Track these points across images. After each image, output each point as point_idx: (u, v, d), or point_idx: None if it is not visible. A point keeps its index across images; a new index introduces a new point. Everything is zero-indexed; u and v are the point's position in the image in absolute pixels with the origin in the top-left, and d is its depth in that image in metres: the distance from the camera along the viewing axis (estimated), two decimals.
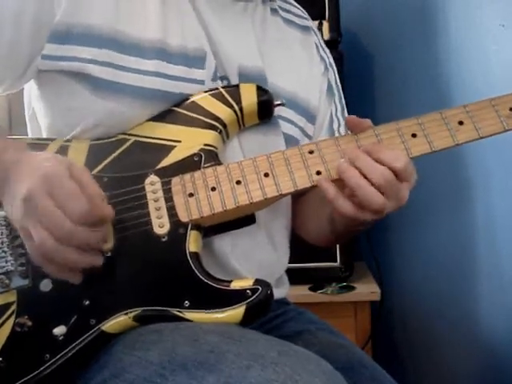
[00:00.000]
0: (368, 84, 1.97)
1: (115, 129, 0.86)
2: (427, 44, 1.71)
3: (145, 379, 0.69)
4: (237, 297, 0.77)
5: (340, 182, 0.80)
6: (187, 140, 0.85)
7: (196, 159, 0.84)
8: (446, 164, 1.59)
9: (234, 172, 0.83)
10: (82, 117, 0.85)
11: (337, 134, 1.04)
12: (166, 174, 0.83)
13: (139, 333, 0.76)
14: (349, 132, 0.86)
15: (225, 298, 0.77)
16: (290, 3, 1.08)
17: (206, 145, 0.85)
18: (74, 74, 0.84)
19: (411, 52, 1.79)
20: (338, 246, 1.68)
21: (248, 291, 0.77)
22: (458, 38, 1.58)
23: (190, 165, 0.84)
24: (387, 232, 1.93)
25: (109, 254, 0.79)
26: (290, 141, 0.94)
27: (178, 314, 0.77)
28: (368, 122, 0.84)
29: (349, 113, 1.09)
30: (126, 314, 0.78)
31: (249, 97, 0.88)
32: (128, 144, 0.85)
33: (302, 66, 1.01)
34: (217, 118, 0.86)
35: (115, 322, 0.78)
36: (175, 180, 0.82)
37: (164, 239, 0.80)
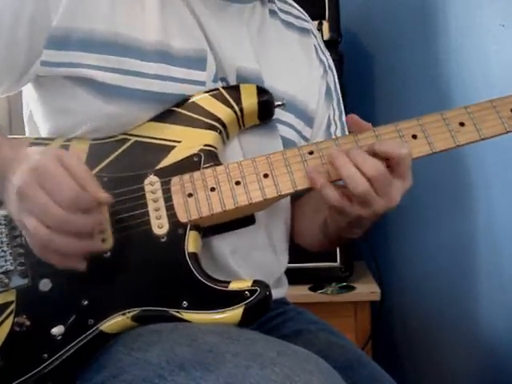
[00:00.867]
0: (368, 84, 1.97)
1: (117, 131, 0.86)
2: (427, 44, 1.71)
3: (143, 380, 0.69)
4: (235, 298, 0.77)
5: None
6: (187, 140, 0.85)
7: (196, 159, 0.84)
8: (446, 164, 1.59)
9: (233, 172, 0.83)
10: (83, 120, 0.86)
11: None
12: (166, 174, 0.83)
13: (138, 333, 0.76)
14: (348, 132, 0.86)
15: (223, 298, 0.77)
16: (290, 4, 1.07)
17: (205, 145, 0.85)
18: (75, 78, 0.84)
19: (411, 52, 1.79)
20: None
21: (246, 292, 0.77)
22: (458, 38, 1.58)
23: (189, 165, 0.84)
24: (387, 232, 1.93)
25: (108, 254, 0.79)
26: (288, 144, 0.94)
27: (176, 314, 0.77)
28: (368, 124, 0.84)
29: (349, 113, 1.08)
30: (124, 314, 0.78)
31: (249, 97, 0.88)
32: (128, 144, 0.85)
33: (300, 69, 1.01)
34: (217, 119, 0.86)
35: (113, 322, 0.78)
36: (174, 180, 0.82)
37: (163, 239, 0.80)
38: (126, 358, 0.73)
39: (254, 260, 0.91)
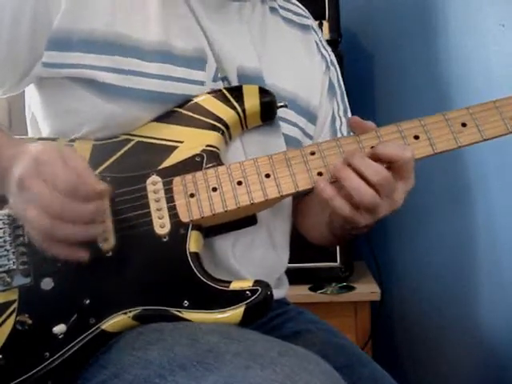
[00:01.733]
0: (368, 84, 1.97)
1: (118, 131, 0.86)
2: (427, 44, 1.71)
3: (144, 379, 0.69)
4: (236, 297, 0.77)
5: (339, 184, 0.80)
6: (189, 141, 0.86)
7: (198, 160, 0.84)
8: (446, 164, 1.59)
9: (235, 173, 0.83)
10: (85, 120, 0.86)
11: (339, 134, 1.04)
12: (168, 175, 0.83)
13: (139, 332, 0.77)
14: (351, 132, 0.86)
15: (224, 298, 0.77)
16: (291, 2, 1.07)
17: (208, 145, 0.85)
18: (76, 79, 0.84)
19: (411, 52, 1.79)
20: (337, 245, 1.68)
21: (247, 292, 0.77)
22: (458, 38, 1.58)
23: (191, 165, 0.84)
24: (387, 232, 1.93)
25: (110, 254, 0.80)
26: (291, 142, 0.94)
27: (177, 313, 0.77)
28: (372, 124, 0.84)
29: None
30: (126, 313, 0.78)
31: (252, 98, 0.88)
32: (131, 144, 0.86)
33: (302, 66, 1.01)
34: (219, 119, 0.87)
35: (115, 321, 0.78)
36: (176, 180, 0.83)
37: (165, 239, 0.80)
38: (126, 358, 0.74)
39: (255, 259, 0.91)
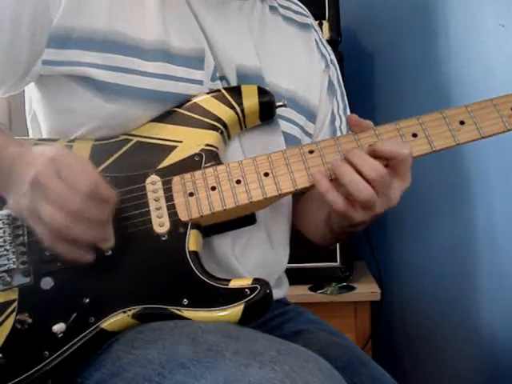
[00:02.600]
0: (368, 84, 1.97)
1: (117, 130, 0.86)
2: (427, 44, 1.71)
3: (144, 378, 0.69)
4: (235, 296, 0.77)
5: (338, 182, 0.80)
6: (188, 140, 0.86)
7: (197, 159, 0.84)
8: (446, 164, 1.59)
9: (234, 171, 0.83)
10: (84, 119, 0.86)
11: (338, 132, 1.04)
12: (167, 174, 0.83)
13: (138, 331, 0.77)
14: (350, 131, 0.86)
15: (223, 296, 0.77)
16: (291, 0, 1.07)
17: (207, 145, 0.85)
18: (76, 77, 0.85)
19: (411, 52, 1.79)
20: (337, 245, 1.68)
21: (246, 290, 0.77)
22: (458, 38, 1.58)
23: (190, 165, 0.84)
24: (387, 232, 1.93)
25: (109, 253, 0.80)
26: (291, 140, 0.94)
27: (176, 312, 0.77)
28: (369, 123, 0.84)
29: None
30: (125, 312, 0.78)
31: (250, 98, 0.88)
32: (130, 144, 0.86)
33: (301, 64, 1.01)
34: (218, 119, 0.87)
35: (114, 320, 0.78)
36: (176, 179, 0.83)
37: (164, 238, 0.81)
38: (126, 356, 0.74)
39: (254, 259, 0.91)
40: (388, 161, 0.79)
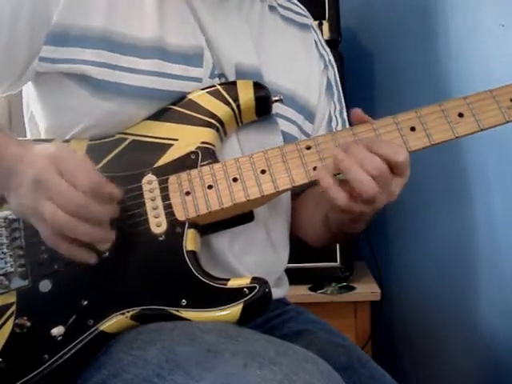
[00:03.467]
0: (368, 84, 1.97)
1: (114, 128, 0.86)
2: (427, 44, 1.71)
3: (143, 379, 0.69)
4: (234, 295, 0.77)
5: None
6: (184, 138, 0.85)
7: (193, 157, 0.84)
8: (446, 163, 1.59)
9: (230, 169, 0.82)
10: (81, 117, 0.86)
11: None
12: (163, 173, 0.83)
13: (137, 332, 0.76)
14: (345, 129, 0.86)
15: (222, 296, 0.77)
16: (291, 1, 1.07)
17: (203, 143, 0.85)
18: (73, 75, 0.84)
19: (411, 52, 1.79)
20: (338, 245, 1.68)
21: (245, 289, 0.77)
22: (458, 38, 1.58)
23: (187, 163, 0.84)
24: (387, 232, 1.93)
25: (106, 254, 0.79)
26: (289, 139, 0.94)
27: (175, 313, 0.77)
28: (369, 119, 0.83)
29: (348, 114, 1.08)
30: (124, 313, 0.78)
31: (246, 93, 0.87)
32: (126, 143, 0.85)
33: (300, 64, 1.01)
34: (214, 116, 0.86)
35: (113, 322, 0.78)
36: (172, 179, 0.82)
37: (161, 238, 0.80)
38: (125, 357, 0.73)
39: (253, 257, 0.91)
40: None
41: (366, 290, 1.68)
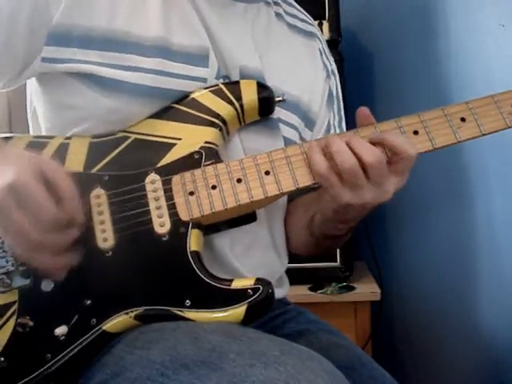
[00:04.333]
0: (368, 84, 1.97)
1: (117, 126, 0.86)
2: (427, 44, 1.71)
3: (147, 378, 0.69)
4: (238, 296, 0.76)
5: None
6: (188, 137, 0.85)
7: (196, 157, 0.84)
8: (446, 163, 1.60)
9: (234, 170, 0.82)
10: (84, 115, 0.85)
11: None
12: (167, 173, 0.83)
13: (140, 331, 0.76)
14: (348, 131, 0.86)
15: (226, 297, 0.77)
16: (296, 8, 1.07)
17: (206, 142, 0.85)
18: (76, 74, 0.84)
19: (411, 52, 1.79)
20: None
21: (249, 290, 0.77)
22: (458, 38, 1.58)
23: (190, 163, 0.83)
24: (387, 232, 1.94)
25: (109, 254, 0.79)
26: (289, 144, 0.93)
27: (179, 313, 0.77)
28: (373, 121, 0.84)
29: (348, 114, 1.08)
30: (127, 313, 0.78)
31: (249, 93, 0.87)
32: (128, 142, 0.85)
33: (305, 72, 1.01)
34: (217, 115, 0.86)
35: (116, 322, 0.77)
36: (176, 179, 0.82)
37: (165, 238, 0.80)
38: (128, 357, 0.73)
39: (255, 258, 0.91)
40: (392, 155, 0.79)
41: (366, 289, 1.68)
